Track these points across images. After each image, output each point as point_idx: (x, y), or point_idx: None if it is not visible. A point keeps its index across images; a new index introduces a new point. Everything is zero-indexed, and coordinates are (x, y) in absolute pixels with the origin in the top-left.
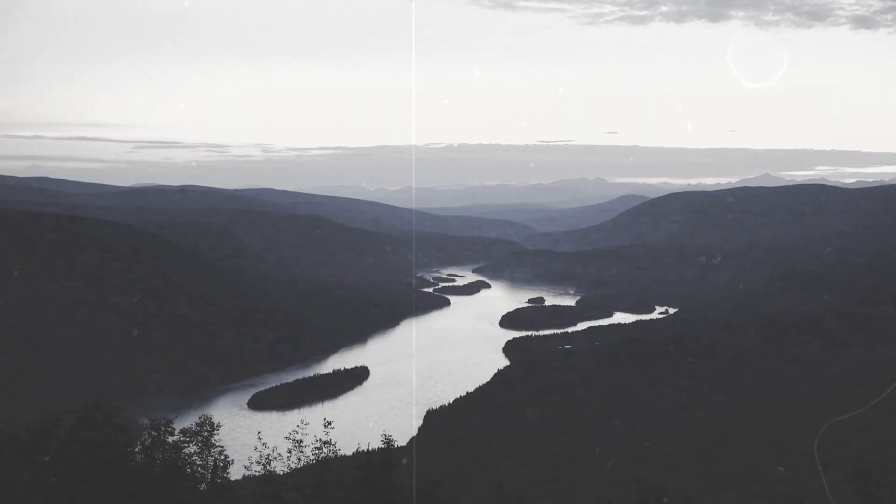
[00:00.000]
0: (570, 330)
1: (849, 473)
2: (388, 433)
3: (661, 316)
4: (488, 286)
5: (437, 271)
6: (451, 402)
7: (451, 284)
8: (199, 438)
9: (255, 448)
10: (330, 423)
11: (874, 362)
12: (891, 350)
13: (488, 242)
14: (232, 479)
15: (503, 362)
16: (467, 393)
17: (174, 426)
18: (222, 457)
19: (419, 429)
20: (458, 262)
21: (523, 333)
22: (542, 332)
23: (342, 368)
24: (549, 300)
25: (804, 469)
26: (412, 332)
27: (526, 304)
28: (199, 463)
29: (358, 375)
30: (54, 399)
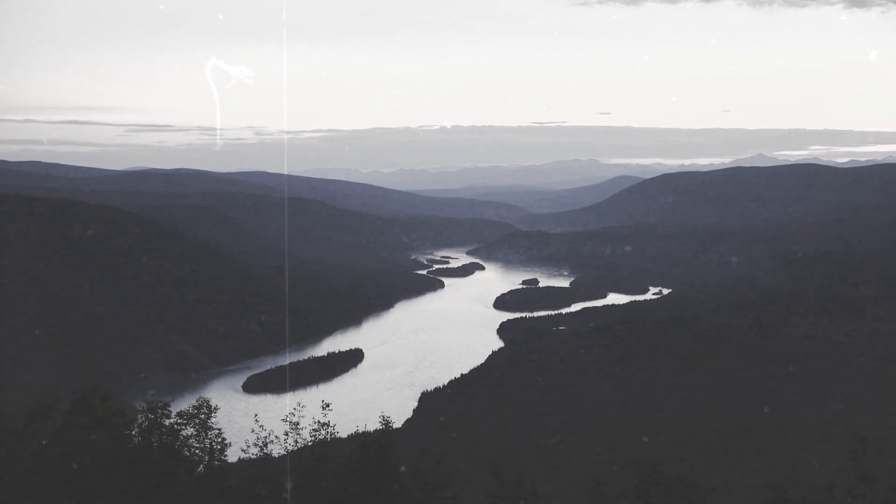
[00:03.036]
0: (564, 311)
1: (847, 449)
2: (385, 414)
3: (655, 296)
4: (482, 268)
5: (431, 253)
6: (445, 383)
7: (444, 266)
8: (197, 421)
9: (253, 430)
10: (328, 405)
11: (868, 341)
12: (885, 328)
13: (482, 224)
14: (229, 461)
15: (497, 343)
16: (462, 374)
17: (171, 409)
18: (219, 439)
19: (414, 410)
20: (452, 244)
21: (517, 315)
22: (536, 314)
23: (336, 351)
24: (543, 281)
25: (799, 446)
26: (406, 314)
27: (520, 286)
28: (196, 446)
29: (352, 358)
30: (49, 383)
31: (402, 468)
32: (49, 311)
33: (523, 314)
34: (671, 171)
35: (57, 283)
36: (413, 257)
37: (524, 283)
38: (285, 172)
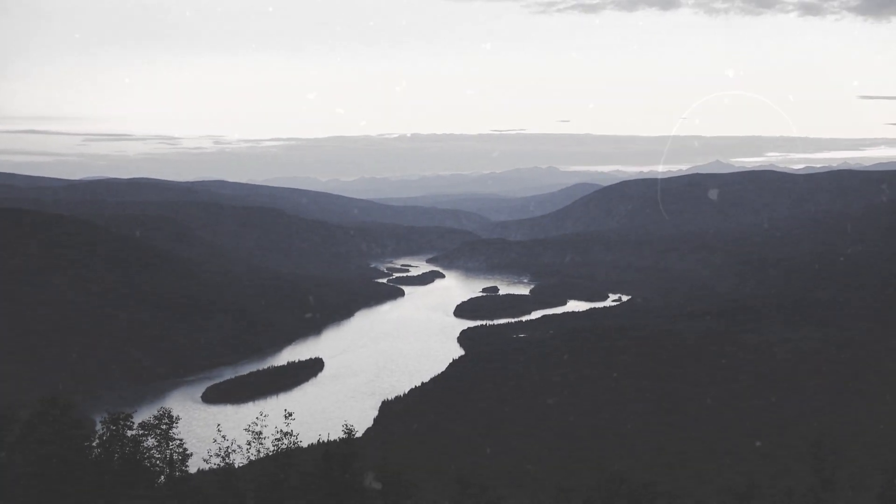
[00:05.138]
0: (524, 318)
1: (806, 454)
2: (347, 423)
3: (615, 303)
4: (442, 276)
5: (391, 262)
6: (406, 392)
7: (405, 275)
8: (158, 432)
9: (214, 440)
10: (290, 415)
11: (826, 347)
12: (843, 334)
13: (442, 232)
14: (190, 471)
15: (458, 352)
16: (422, 383)
17: (133, 420)
18: (181, 450)
19: (375, 419)
20: (412, 252)
21: (478, 323)
22: (496, 321)
23: (297, 360)
24: (504, 289)
25: (759, 451)
26: (366, 323)
27: (480, 294)
28: (157, 456)
29: (313, 367)
30: (5, 394)
31: (365, 477)
32: (3, 320)
33: (483, 322)
34: (630, 178)
35: (13, 292)
36: (373, 265)
37: (484, 290)
38: (244, 181)
